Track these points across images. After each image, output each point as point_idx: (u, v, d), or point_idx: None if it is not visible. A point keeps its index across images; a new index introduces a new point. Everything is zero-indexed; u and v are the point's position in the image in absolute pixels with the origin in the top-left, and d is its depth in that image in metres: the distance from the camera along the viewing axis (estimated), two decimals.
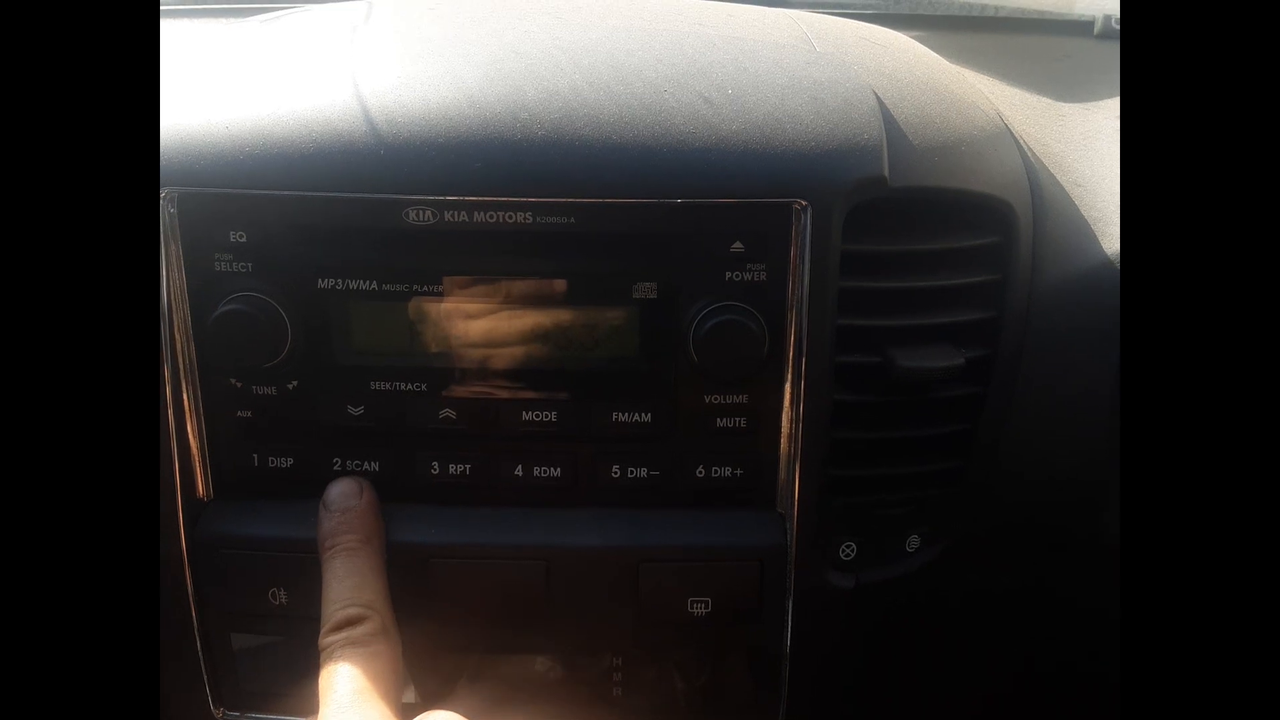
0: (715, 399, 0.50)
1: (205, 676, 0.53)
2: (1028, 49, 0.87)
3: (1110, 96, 0.72)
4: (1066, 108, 0.70)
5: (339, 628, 0.44)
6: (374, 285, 0.48)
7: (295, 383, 0.50)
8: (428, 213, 0.47)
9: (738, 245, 0.48)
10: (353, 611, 0.45)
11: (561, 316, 0.49)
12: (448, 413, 0.50)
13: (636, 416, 0.50)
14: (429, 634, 0.50)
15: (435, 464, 0.51)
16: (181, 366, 0.49)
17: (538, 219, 0.47)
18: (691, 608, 0.51)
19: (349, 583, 0.46)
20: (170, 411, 0.49)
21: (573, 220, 0.47)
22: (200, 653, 0.53)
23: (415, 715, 0.42)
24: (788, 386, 0.49)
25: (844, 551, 0.54)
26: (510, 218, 0.47)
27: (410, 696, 0.53)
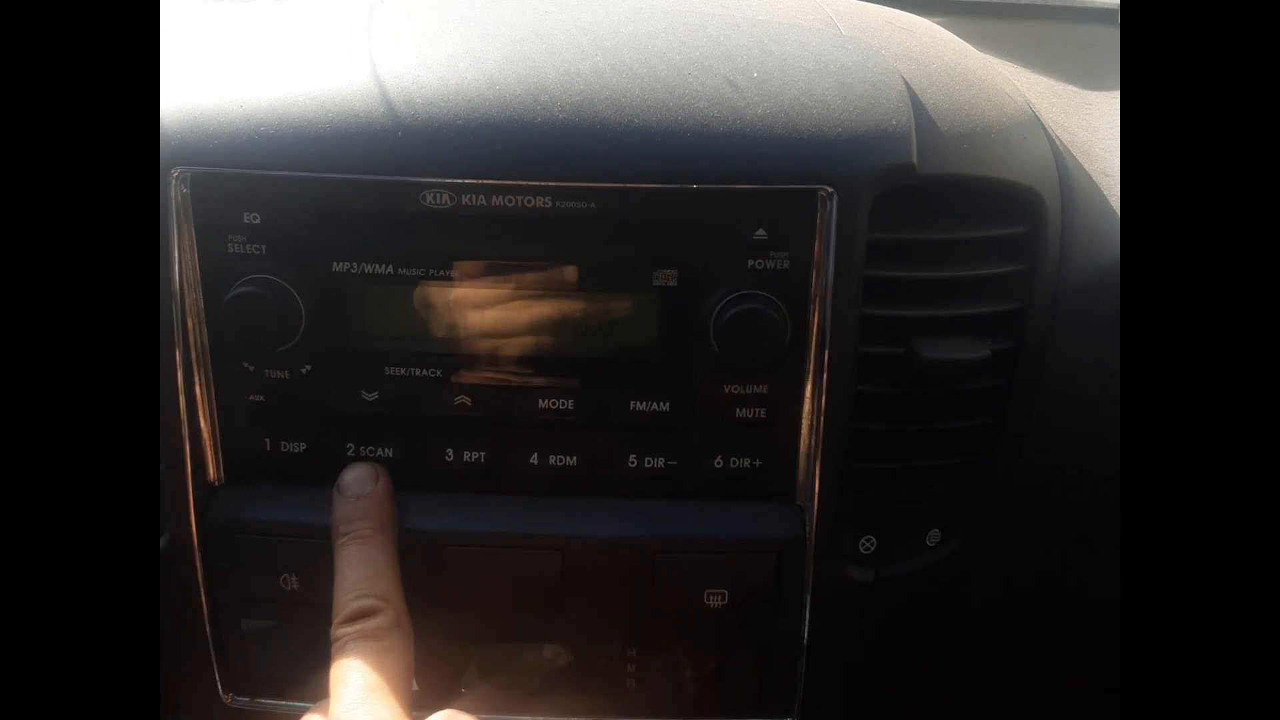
0: (735, 389, 0.49)
1: (215, 661, 0.53)
2: (1050, 36, 0.86)
3: None
4: (1094, 96, 0.68)
5: (352, 619, 0.44)
6: (389, 269, 0.47)
7: (309, 367, 0.49)
8: (445, 196, 0.46)
9: (761, 232, 0.47)
10: (367, 603, 0.44)
11: (580, 303, 0.48)
12: (463, 399, 0.49)
13: (655, 406, 0.49)
14: (443, 622, 0.50)
15: (450, 451, 0.50)
16: (194, 349, 0.48)
17: (557, 203, 0.46)
18: (708, 599, 0.50)
19: (363, 571, 0.46)
20: (181, 394, 0.48)
21: (593, 205, 0.46)
22: (210, 638, 0.52)
23: (422, 711, 0.41)
24: (809, 377, 0.49)
25: (863, 545, 0.53)
26: (529, 202, 0.46)
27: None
